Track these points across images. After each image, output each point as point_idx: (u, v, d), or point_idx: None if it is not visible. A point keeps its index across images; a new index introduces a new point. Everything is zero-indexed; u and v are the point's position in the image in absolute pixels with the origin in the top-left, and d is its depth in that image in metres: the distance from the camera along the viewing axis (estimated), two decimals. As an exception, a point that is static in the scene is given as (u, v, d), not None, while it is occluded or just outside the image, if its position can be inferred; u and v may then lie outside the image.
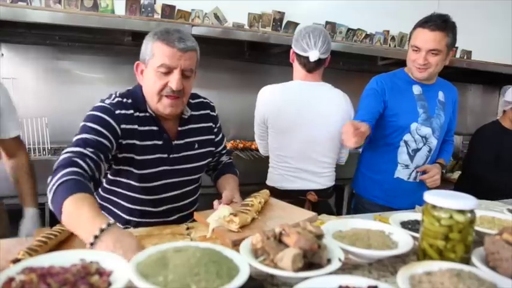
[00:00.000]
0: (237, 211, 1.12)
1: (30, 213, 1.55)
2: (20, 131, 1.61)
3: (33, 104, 2.54)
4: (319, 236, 0.90)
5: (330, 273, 0.81)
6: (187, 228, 1.21)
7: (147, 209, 1.35)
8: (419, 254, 0.97)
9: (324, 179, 1.80)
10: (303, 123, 1.71)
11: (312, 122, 1.71)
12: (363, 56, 2.91)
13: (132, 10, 2.13)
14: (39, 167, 2.09)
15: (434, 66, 1.72)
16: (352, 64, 3.17)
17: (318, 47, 1.65)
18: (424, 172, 1.81)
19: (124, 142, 1.23)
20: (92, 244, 0.90)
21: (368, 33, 2.77)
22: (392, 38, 2.85)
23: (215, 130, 1.48)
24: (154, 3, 2.19)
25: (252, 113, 1.82)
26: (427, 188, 1.75)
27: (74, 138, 1.17)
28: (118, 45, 2.63)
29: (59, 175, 1.03)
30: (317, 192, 1.76)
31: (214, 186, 1.54)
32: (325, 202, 1.84)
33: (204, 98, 1.48)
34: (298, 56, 1.70)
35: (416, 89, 1.83)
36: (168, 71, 1.19)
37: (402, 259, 1.01)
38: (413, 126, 1.81)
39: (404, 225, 1.16)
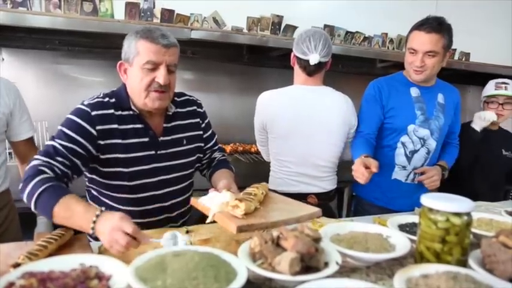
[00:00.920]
0: (242, 198, 1.09)
1: (43, 221, 1.51)
2: (33, 132, 1.60)
3: (34, 108, 2.51)
4: (317, 240, 0.90)
5: (328, 277, 0.81)
6: (187, 232, 1.22)
7: (137, 209, 1.35)
8: (416, 256, 0.98)
9: (325, 183, 1.80)
10: (302, 128, 1.70)
11: (311, 127, 1.71)
12: (362, 59, 2.92)
13: (132, 15, 2.14)
14: None
15: (431, 68, 1.73)
16: (351, 67, 3.18)
17: (318, 51, 1.65)
18: (422, 173, 1.82)
19: (103, 143, 1.25)
20: (92, 229, 0.99)
21: (366, 35, 2.78)
22: (391, 40, 2.86)
23: (203, 126, 1.50)
24: (154, 7, 2.21)
25: (251, 116, 1.82)
26: (426, 190, 1.76)
27: (47, 143, 1.21)
28: (117, 49, 2.63)
29: (31, 185, 1.08)
30: (318, 195, 1.76)
31: (210, 184, 1.50)
32: (327, 205, 1.83)
33: (190, 96, 1.51)
34: (298, 59, 1.70)
35: (414, 91, 1.84)
36: (154, 67, 1.22)
37: (400, 262, 1.02)
38: (411, 127, 1.82)
39: (403, 227, 1.17)
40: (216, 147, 1.59)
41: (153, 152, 1.33)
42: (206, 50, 2.76)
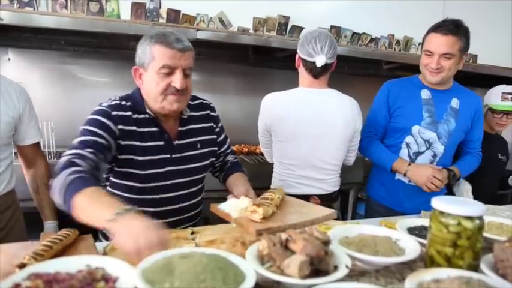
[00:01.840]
0: (259, 203, 1.13)
1: (50, 227, 1.54)
2: (39, 138, 1.59)
3: (39, 108, 2.52)
4: (326, 243, 0.89)
5: (337, 280, 0.80)
6: (192, 233, 1.21)
7: (148, 209, 1.33)
8: (426, 260, 0.96)
9: (328, 185, 1.78)
10: (306, 131, 1.69)
11: (315, 130, 1.69)
12: (368, 60, 2.91)
13: (138, 15, 2.14)
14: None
15: (447, 70, 1.72)
16: (357, 68, 3.17)
17: (324, 52, 1.63)
18: None
19: (123, 143, 1.26)
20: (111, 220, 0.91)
21: (373, 37, 2.76)
22: (398, 42, 2.84)
23: (217, 130, 1.51)
24: (160, 7, 2.20)
25: (256, 117, 1.81)
26: (432, 193, 1.73)
27: (73, 142, 1.20)
28: (123, 49, 2.64)
29: (62, 177, 1.05)
30: (321, 197, 1.75)
31: (224, 188, 1.53)
32: (329, 206, 1.80)
33: (204, 100, 1.51)
34: (304, 61, 1.68)
35: (425, 94, 1.83)
36: (170, 72, 1.22)
37: (409, 266, 1.00)
38: (416, 128, 1.82)
39: (411, 231, 1.15)
40: (229, 150, 1.59)
41: (168, 156, 1.34)
42: (211, 51, 2.76)
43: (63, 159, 1.13)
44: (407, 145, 1.84)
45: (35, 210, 2.18)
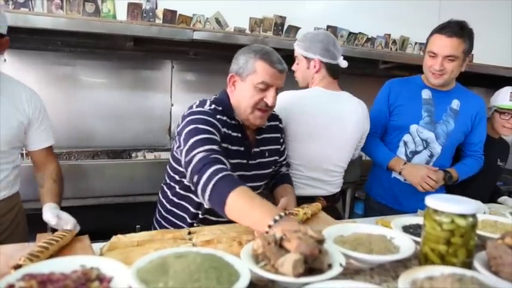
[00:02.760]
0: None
1: (49, 206, 1.39)
2: (51, 141, 1.57)
3: None
4: (320, 241, 0.89)
5: (331, 279, 0.80)
6: (189, 233, 1.21)
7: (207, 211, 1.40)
8: (421, 258, 0.97)
9: (332, 186, 1.79)
10: (320, 133, 1.69)
11: (329, 133, 1.70)
12: (365, 60, 2.91)
13: (134, 15, 2.14)
14: None
15: (450, 72, 1.72)
16: (353, 68, 3.16)
17: (341, 53, 1.70)
18: None
19: (223, 145, 1.32)
20: (269, 226, 0.98)
21: (369, 37, 2.77)
22: (394, 41, 2.85)
23: (281, 140, 1.60)
24: (156, 8, 2.20)
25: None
26: (426, 192, 1.74)
27: (192, 141, 1.22)
28: (120, 50, 2.65)
29: (209, 173, 1.11)
30: (325, 198, 1.74)
31: (271, 194, 1.60)
32: (333, 207, 1.84)
33: (273, 111, 1.54)
34: (327, 64, 1.68)
35: (426, 94, 1.84)
36: (265, 88, 1.32)
37: (404, 264, 1.01)
38: (413, 127, 1.83)
39: (406, 229, 1.16)
40: (285, 161, 1.66)
41: (245, 161, 1.42)
42: (208, 51, 2.76)
43: (200, 156, 1.17)
44: (405, 144, 1.86)
45: (35, 212, 2.19)
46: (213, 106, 1.34)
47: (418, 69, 1.92)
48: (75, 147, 2.64)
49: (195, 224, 1.42)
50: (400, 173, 1.83)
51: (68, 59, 2.62)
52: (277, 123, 1.59)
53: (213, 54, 2.79)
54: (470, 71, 2.99)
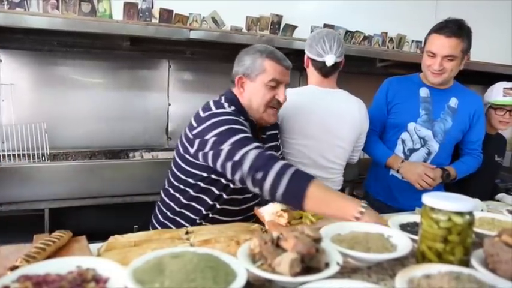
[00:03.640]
0: (288, 209, 1.26)
1: None
2: None
3: (32, 110, 2.55)
4: (317, 240, 0.89)
5: (328, 278, 0.80)
6: (187, 233, 1.20)
7: (221, 207, 1.44)
8: (418, 256, 0.96)
9: (332, 184, 1.79)
10: (315, 130, 1.70)
11: (324, 130, 1.71)
12: (362, 58, 2.90)
13: (130, 15, 2.13)
14: (38, 173, 2.10)
15: (449, 71, 1.73)
16: (351, 66, 3.16)
17: (333, 51, 1.65)
18: None
19: None
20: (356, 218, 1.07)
21: (366, 35, 2.77)
22: (391, 39, 2.84)
23: (279, 136, 1.64)
24: (152, 7, 2.20)
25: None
26: (424, 190, 1.75)
27: (234, 139, 1.21)
28: (117, 50, 2.64)
29: (277, 168, 1.12)
30: None
31: None
32: None
33: None
34: (313, 61, 1.70)
35: (424, 92, 1.85)
36: (275, 86, 1.36)
37: (401, 262, 1.01)
38: (411, 125, 1.84)
39: (404, 227, 1.16)
40: (281, 156, 1.68)
41: None
42: (205, 51, 2.75)
43: (255, 152, 1.17)
44: (403, 141, 1.87)
45: (28, 213, 2.19)
46: (232, 107, 1.36)
47: (415, 67, 1.92)
48: (72, 147, 2.63)
49: (210, 215, 1.45)
50: (398, 171, 1.84)
51: (64, 59, 2.60)
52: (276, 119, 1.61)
53: (210, 54, 2.78)
54: (468, 69, 3.01)
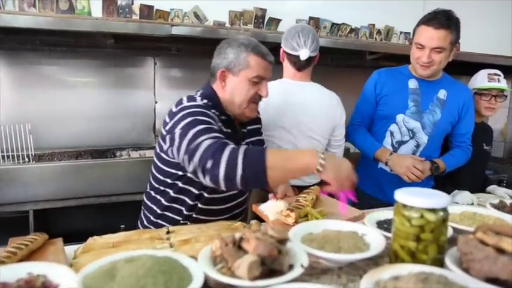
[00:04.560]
0: (293, 207, 1.23)
1: None
2: None
3: (16, 110, 2.51)
4: (282, 241, 0.85)
5: (292, 281, 0.76)
6: (168, 232, 1.18)
7: (203, 206, 1.40)
8: (391, 256, 0.92)
9: (310, 177, 1.77)
10: (288, 122, 1.70)
11: (295, 123, 1.71)
12: (350, 51, 2.85)
13: (110, 12, 2.08)
14: (22, 174, 2.07)
15: (438, 63, 1.71)
16: (340, 60, 3.12)
17: (308, 46, 1.66)
18: None
19: None
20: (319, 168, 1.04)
21: (353, 27, 2.71)
22: (378, 31, 2.79)
23: (261, 130, 1.61)
24: (132, 3, 2.14)
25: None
26: (413, 183, 1.73)
27: (193, 131, 1.15)
28: (101, 48, 2.59)
29: (227, 153, 1.05)
30: (300, 188, 1.72)
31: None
32: None
33: None
34: (288, 55, 1.71)
35: (412, 83, 1.84)
36: (259, 81, 1.33)
37: (376, 261, 0.97)
38: (400, 117, 1.82)
39: (381, 224, 1.12)
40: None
41: None
42: (190, 47, 2.70)
43: (208, 142, 1.10)
44: (391, 133, 1.85)
45: (12, 215, 2.15)
46: (205, 101, 1.31)
47: (405, 59, 1.90)
48: (58, 148, 2.60)
49: (194, 215, 1.41)
50: (386, 164, 1.82)
51: (48, 58, 2.56)
52: (257, 114, 1.58)
53: (195, 50, 2.73)
54: (457, 60, 2.96)
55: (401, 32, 2.88)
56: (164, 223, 1.41)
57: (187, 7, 2.29)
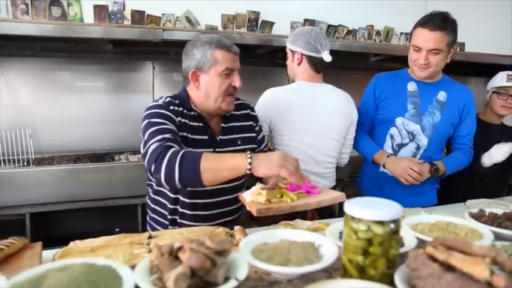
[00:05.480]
0: (267, 188, 1.24)
1: None
2: None
3: (17, 115, 2.58)
4: (221, 252, 0.82)
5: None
6: (150, 237, 1.17)
7: (191, 201, 1.45)
8: (341, 270, 0.87)
9: (328, 180, 1.82)
10: (308, 125, 1.73)
11: (316, 124, 1.74)
12: (352, 54, 2.78)
13: (101, 18, 2.11)
14: (23, 178, 2.12)
15: (435, 65, 1.72)
16: (343, 62, 3.05)
17: (327, 48, 1.72)
18: None
19: (180, 134, 1.36)
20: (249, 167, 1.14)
21: (350, 29, 2.64)
22: (378, 32, 2.70)
23: (256, 128, 1.61)
24: (124, 9, 2.17)
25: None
26: (413, 185, 1.73)
27: (147, 134, 1.28)
28: (100, 53, 2.64)
29: (168, 156, 1.18)
30: None
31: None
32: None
33: (243, 100, 1.62)
34: (310, 57, 1.73)
35: (411, 86, 1.84)
36: (229, 73, 1.38)
37: (329, 274, 0.92)
38: (399, 120, 1.82)
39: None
40: (266, 148, 1.69)
41: (211, 150, 1.44)
42: (181, 51, 2.70)
43: (153, 146, 1.22)
44: (391, 137, 1.85)
45: (10, 218, 2.20)
46: (167, 100, 1.39)
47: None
48: (58, 152, 2.65)
49: (178, 220, 1.45)
50: (384, 166, 1.82)
51: (48, 64, 2.62)
52: (248, 111, 1.60)
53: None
54: (464, 61, 2.85)
55: (401, 33, 2.78)
56: (155, 225, 1.50)
57: (179, 11, 2.29)
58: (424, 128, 1.80)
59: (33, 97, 2.62)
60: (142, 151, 1.28)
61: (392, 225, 0.81)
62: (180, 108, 1.39)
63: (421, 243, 0.96)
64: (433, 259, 0.77)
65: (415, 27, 1.74)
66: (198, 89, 1.40)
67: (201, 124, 1.43)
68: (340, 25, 2.58)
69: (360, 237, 0.81)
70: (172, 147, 1.21)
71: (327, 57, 1.72)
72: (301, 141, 1.73)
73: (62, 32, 2.08)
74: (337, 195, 1.27)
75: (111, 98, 2.78)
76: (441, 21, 1.66)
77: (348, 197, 2.60)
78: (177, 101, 1.40)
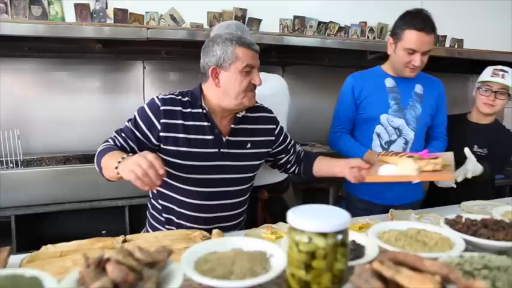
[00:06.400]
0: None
1: None
2: None
3: (5, 116, 2.57)
4: (153, 264, 0.76)
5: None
6: (124, 241, 1.15)
7: (196, 202, 1.43)
8: (285, 285, 0.81)
9: (274, 173, 1.74)
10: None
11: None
12: (347, 51, 2.69)
13: (83, 16, 2.08)
14: (11, 180, 2.10)
15: (424, 64, 1.75)
16: (339, 60, 2.96)
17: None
18: None
19: (164, 135, 1.36)
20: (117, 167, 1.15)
21: (342, 25, 2.55)
22: (371, 29, 2.61)
23: (277, 131, 1.57)
24: (106, 7, 2.13)
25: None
26: (408, 183, 1.68)
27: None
28: (89, 53, 2.61)
29: (97, 152, 1.32)
30: (269, 187, 1.73)
31: (304, 176, 1.63)
32: (279, 198, 1.82)
33: (260, 103, 1.57)
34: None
35: (389, 82, 1.84)
36: (249, 70, 1.35)
37: (279, 286, 0.85)
38: (384, 117, 1.81)
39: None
40: (293, 141, 1.65)
41: (216, 150, 1.41)
42: (180, 49, 2.66)
43: (101, 147, 1.34)
44: (378, 135, 1.83)
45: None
46: (168, 96, 1.38)
47: None
48: (47, 153, 2.64)
49: (176, 220, 1.43)
50: None
51: (36, 64, 2.61)
52: (266, 114, 1.56)
53: (185, 52, 2.68)
54: (462, 57, 2.73)
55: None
56: (155, 223, 1.48)
57: (163, 9, 2.24)
58: (409, 122, 1.80)
59: (21, 98, 2.61)
60: None
61: (338, 237, 0.74)
62: (178, 108, 1.37)
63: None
64: (379, 276, 0.70)
65: (406, 28, 1.69)
66: (217, 87, 1.36)
67: (206, 123, 1.40)
68: (331, 22, 2.50)
69: (301, 250, 0.75)
70: (106, 142, 1.35)
71: None
72: None
73: (44, 32, 2.05)
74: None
75: (101, 98, 2.75)
76: (432, 23, 1.68)
77: (342, 198, 2.49)
78: (185, 98, 1.40)
